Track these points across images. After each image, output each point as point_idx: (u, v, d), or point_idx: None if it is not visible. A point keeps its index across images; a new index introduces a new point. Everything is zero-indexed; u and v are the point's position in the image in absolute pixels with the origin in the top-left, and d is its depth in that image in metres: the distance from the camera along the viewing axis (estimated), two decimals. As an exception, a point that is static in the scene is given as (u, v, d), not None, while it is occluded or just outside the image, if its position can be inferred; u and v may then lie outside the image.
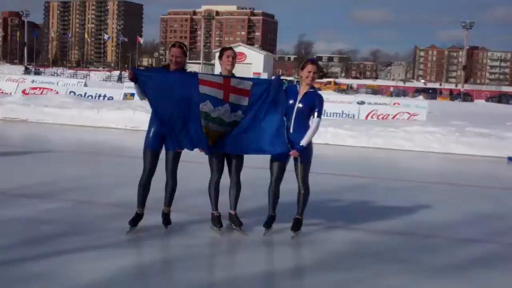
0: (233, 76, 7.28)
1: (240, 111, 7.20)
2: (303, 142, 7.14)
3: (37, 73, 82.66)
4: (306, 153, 7.22)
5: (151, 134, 7.10)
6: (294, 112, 7.20)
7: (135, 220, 7.19)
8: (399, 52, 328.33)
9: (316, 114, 7.23)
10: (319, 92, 7.63)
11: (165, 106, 7.00)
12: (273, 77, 7.98)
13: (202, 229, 7.52)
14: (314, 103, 7.22)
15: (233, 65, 7.35)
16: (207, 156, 7.38)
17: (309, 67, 7.28)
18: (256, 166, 8.49)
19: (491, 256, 7.24)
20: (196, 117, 7.03)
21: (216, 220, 7.43)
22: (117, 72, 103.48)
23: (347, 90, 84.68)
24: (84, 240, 6.81)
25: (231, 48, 7.51)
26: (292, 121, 7.21)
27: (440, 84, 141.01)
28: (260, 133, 7.18)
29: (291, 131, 7.20)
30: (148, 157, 7.11)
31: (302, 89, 7.29)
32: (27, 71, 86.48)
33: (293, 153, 7.14)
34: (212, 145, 7.14)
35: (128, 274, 5.96)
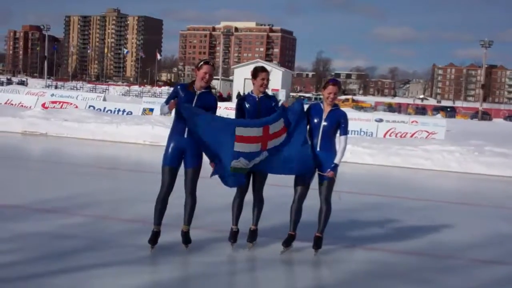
0: (270, 121, 7.07)
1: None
2: (337, 161, 7.18)
3: (22, 83, 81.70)
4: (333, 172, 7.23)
5: (169, 150, 7.04)
6: (321, 131, 7.22)
7: (155, 238, 7.12)
8: (417, 70, 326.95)
9: (342, 131, 7.27)
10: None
11: (212, 141, 6.88)
12: (295, 99, 7.95)
13: (221, 247, 7.49)
14: (339, 121, 7.25)
15: (266, 87, 7.35)
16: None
17: (330, 88, 7.28)
18: (277, 184, 8.46)
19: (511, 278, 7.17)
20: (227, 160, 6.89)
21: (232, 235, 7.44)
22: (136, 87, 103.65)
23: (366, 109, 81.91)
24: (102, 256, 6.82)
25: (265, 70, 7.34)
26: (319, 139, 7.23)
27: (438, 102, 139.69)
28: (288, 155, 7.10)
29: (318, 149, 7.22)
30: (167, 174, 7.05)
31: (326, 108, 7.32)
32: (8, 82, 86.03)
33: (329, 173, 7.14)
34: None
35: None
